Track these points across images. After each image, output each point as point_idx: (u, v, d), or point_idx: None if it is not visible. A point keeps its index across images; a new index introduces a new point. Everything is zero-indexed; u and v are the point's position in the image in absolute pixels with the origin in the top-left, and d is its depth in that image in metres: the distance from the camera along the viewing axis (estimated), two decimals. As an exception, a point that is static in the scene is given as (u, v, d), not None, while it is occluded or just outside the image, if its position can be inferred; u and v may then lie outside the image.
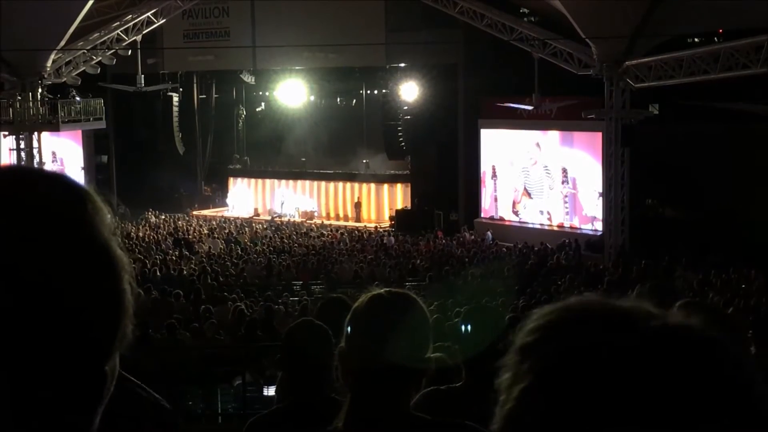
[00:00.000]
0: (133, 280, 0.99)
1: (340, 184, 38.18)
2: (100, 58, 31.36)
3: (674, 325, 0.83)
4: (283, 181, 39.50)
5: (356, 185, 37.60)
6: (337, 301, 5.43)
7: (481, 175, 32.85)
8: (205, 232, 32.07)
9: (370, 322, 2.29)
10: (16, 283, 0.88)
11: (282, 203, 38.90)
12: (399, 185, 36.88)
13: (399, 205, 36.21)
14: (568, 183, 30.14)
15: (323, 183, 38.59)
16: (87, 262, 0.93)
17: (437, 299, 16.83)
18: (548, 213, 30.82)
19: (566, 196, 30.32)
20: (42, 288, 0.89)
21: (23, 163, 28.22)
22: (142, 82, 32.54)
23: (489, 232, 30.98)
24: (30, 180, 0.97)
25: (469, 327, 3.91)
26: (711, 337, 0.83)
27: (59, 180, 0.99)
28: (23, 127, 29.14)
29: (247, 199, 40.16)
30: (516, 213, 31.91)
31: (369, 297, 2.34)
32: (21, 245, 0.90)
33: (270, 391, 9.93)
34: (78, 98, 32.49)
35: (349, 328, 2.32)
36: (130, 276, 0.98)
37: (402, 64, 34.79)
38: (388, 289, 2.41)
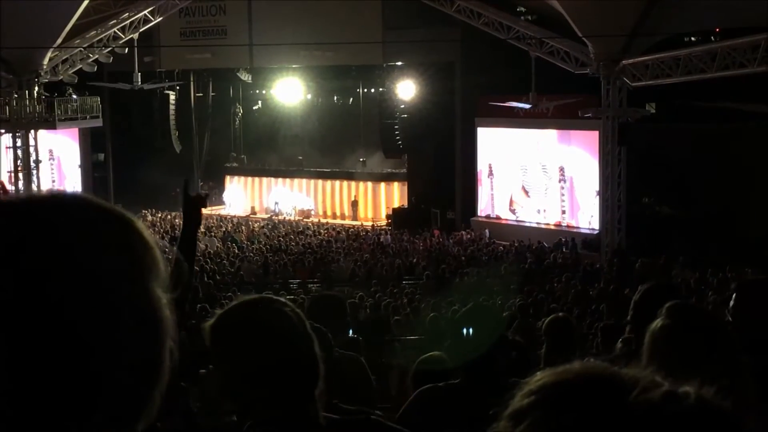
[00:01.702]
0: (175, 346, 0.97)
1: (337, 183, 38.19)
2: (96, 56, 31.29)
3: (669, 402, 0.81)
4: (280, 180, 39.49)
5: (353, 184, 37.61)
6: (328, 298, 5.43)
7: (478, 173, 32.86)
8: (202, 230, 32.06)
9: (238, 331, 2.31)
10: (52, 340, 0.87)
11: (276, 203, 38.89)
12: (396, 184, 36.88)
13: (396, 204, 36.22)
14: (565, 181, 30.16)
15: (320, 181, 38.61)
16: (129, 324, 0.91)
17: (434, 297, 16.85)
18: (545, 211, 30.84)
19: (563, 195, 30.34)
20: (79, 348, 0.88)
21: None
22: (139, 80, 32.51)
23: (487, 231, 30.99)
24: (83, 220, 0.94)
25: (470, 330, 3.91)
26: (708, 418, 0.81)
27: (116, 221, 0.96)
28: (20, 125, 29.09)
29: (243, 197, 40.16)
30: (513, 211, 31.93)
31: (230, 309, 2.36)
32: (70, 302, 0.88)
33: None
34: (75, 96, 32.42)
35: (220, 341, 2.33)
36: (172, 340, 0.96)
37: (399, 63, 34.78)
38: (251, 297, 2.44)
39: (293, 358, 2.29)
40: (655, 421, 0.79)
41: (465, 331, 3.89)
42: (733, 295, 3.88)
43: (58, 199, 0.97)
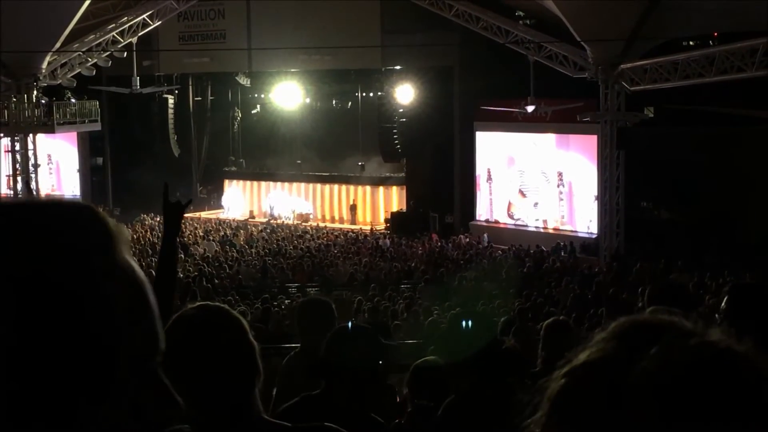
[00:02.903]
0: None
1: (336, 187, 38.19)
2: (95, 60, 31.32)
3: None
4: (279, 184, 39.48)
5: (352, 188, 37.62)
6: (317, 303, 5.42)
7: (477, 177, 32.87)
8: (201, 234, 32.04)
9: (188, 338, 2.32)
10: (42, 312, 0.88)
11: (271, 206, 38.91)
12: (394, 188, 36.88)
13: (394, 208, 36.22)
14: (563, 186, 30.17)
15: (318, 185, 38.61)
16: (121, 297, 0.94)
17: (432, 302, 16.83)
18: (544, 216, 30.84)
19: (562, 199, 30.35)
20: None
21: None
22: (138, 84, 32.50)
23: (485, 235, 30.99)
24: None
25: (470, 323, 3.91)
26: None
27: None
28: (18, 129, 29.09)
29: (242, 201, 40.16)
30: (511, 216, 31.92)
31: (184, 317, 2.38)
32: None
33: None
34: (73, 100, 32.45)
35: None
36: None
37: (398, 67, 34.79)
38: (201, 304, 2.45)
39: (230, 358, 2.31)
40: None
41: (467, 328, 3.88)
42: (725, 299, 3.88)
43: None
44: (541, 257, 26.47)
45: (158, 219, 35.57)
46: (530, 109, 29.09)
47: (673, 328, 0.89)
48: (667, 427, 0.81)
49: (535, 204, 30.99)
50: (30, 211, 0.95)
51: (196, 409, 2.23)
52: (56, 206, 0.96)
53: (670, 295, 3.66)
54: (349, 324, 3.75)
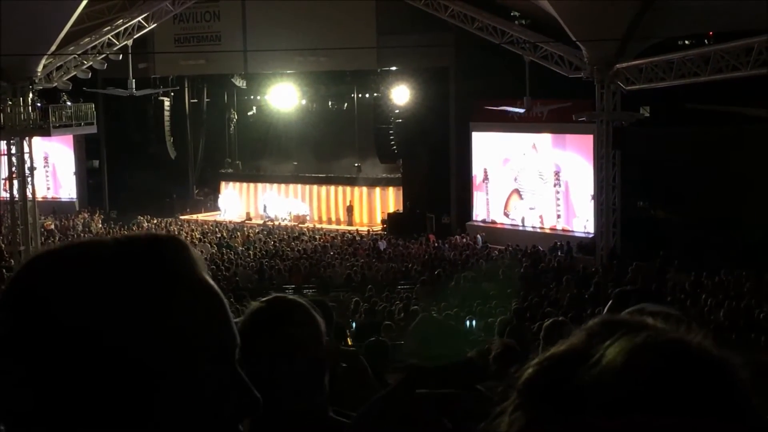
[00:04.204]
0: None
1: (332, 188, 38.19)
2: (91, 63, 31.26)
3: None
4: (275, 185, 39.46)
5: (348, 189, 37.61)
6: (317, 303, 5.40)
7: (473, 178, 32.87)
8: (198, 236, 32.02)
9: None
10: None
11: (265, 206, 38.92)
12: (391, 189, 36.88)
13: (391, 209, 36.21)
14: (560, 185, 30.18)
15: (315, 187, 38.60)
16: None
17: (429, 302, 16.85)
18: (540, 215, 30.85)
19: (558, 199, 30.36)
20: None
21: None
22: (134, 86, 32.45)
23: (478, 236, 31.00)
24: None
25: (474, 322, 3.92)
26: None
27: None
28: (14, 132, 29.02)
29: (238, 203, 40.14)
30: (507, 215, 31.93)
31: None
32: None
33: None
34: (69, 103, 32.43)
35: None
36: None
37: (393, 68, 34.80)
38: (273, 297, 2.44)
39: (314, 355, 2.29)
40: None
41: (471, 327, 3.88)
42: (608, 304, 3.94)
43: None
44: (538, 257, 26.48)
45: (154, 221, 35.59)
46: (521, 110, 29.13)
47: (633, 324, 0.95)
48: (613, 413, 0.86)
49: (531, 208, 30.99)
50: (131, 246, 1.08)
51: (270, 408, 2.19)
52: (154, 239, 1.10)
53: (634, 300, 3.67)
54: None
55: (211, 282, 1.11)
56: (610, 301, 4.10)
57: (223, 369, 1.06)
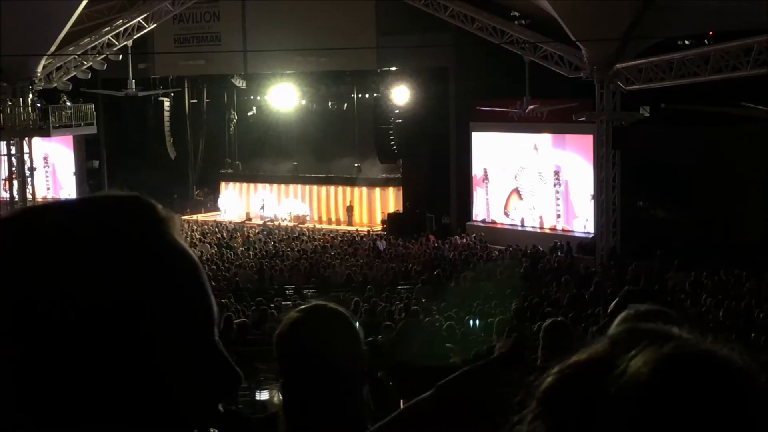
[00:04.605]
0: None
1: (332, 188, 38.18)
2: (90, 63, 31.28)
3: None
4: (275, 186, 39.46)
5: (348, 189, 37.60)
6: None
7: (473, 178, 32.87)
8: (198, 236, 32.01)
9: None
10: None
11: (262, 206, 38.92)
12: (391, 189, 36.88)
13: (391, 209, 36.20)
14: (560, 185, 30.18)
15: (315, 187, 38.60)
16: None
17: (429, 302, 16.85)
18: (540, 216, 30.85)
19: (558, 199, 30.36)
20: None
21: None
22: (133, 86, 32.47)
23: (473, 235, 30.98)
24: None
25: (477, 322, 3.94)
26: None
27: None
28: (14, 133, 29.06)
29: (238, 203, 40.14)
30: (507, 215, 31.91)
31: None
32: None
33: (262, 395, 9.92)
34: (69, 103, 32.43)
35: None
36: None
37: (393, 68, 34.80)
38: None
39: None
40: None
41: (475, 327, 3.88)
42: (614, 302, 3.95)
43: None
44: (538, 257, 26.47)
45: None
46: (521, 110, 29.13)
47: (659, 333, 0.92)
48: (638, 426, 0.85)
49: (532, 208, 30.98)
50: (89, 206, 1.04)
51: (309, 418, 2.17)
52: (113, 199, 1.05)
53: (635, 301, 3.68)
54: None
55: (184, 246, 1.05)
56: (615, 301, 4.10)
57: (200, 343, 1.01)
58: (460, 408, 2.17)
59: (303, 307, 2.42)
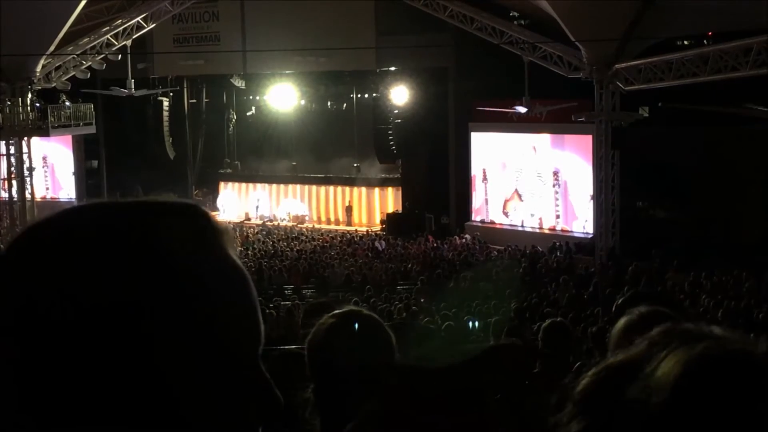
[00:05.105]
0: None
1: (331, 188, 38.19)
2: (90, 63, 31.28)
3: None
4: (274, 186, 39.46)
5: (347, 189, 37.61)
6: (324, 306, 5.39)
7: (472, 178, 32.86)
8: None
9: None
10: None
11: (257, 206, 38.92)
12: (390, 189, 36.88)
13: (390, 209, 36.21)
14: (559, 186, 30.17)
15: (314, 187, 38.60)
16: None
17: (429, 302, 16.83)
18: (539, 216, 30.84)
19: (557, 199, 30.35)
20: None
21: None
22: (132, 86, 32.45)
23: (468, 236, 30.98)
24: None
25: (476, 322, 3.92)
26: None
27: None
28: (13, 133, 29.04)
29: (237, 203, 40.14)
30: (506, 215, 31.90)
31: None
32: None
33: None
34: (68, 103, 32.41)
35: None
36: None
37: (392, 68, 34.80)
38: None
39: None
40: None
41: (474, 328, 3.88)
42: (620, 300, 3.93)
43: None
44: (537, 257, 26.47)
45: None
46: (522, 110, 29.10)
47: (693, 333, 0.91)
48: (673, 427, 0.84)
49: (531, 215, 30.96)
50: (141, 211, 0.99)
51: (340, 425, 2.14)
52: (165, 206, 1.01)
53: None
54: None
55: (238, 262, 1.03)
56: (620, 300, 4.08)
57: (245, 368, 0.97)
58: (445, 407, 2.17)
59: (337, 312, 2.40)
